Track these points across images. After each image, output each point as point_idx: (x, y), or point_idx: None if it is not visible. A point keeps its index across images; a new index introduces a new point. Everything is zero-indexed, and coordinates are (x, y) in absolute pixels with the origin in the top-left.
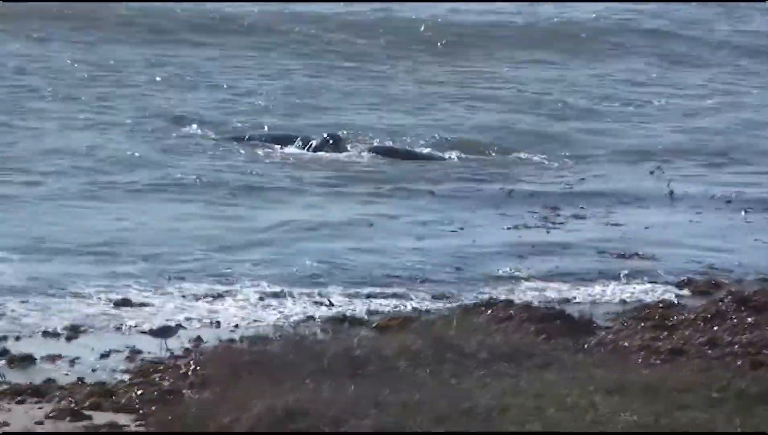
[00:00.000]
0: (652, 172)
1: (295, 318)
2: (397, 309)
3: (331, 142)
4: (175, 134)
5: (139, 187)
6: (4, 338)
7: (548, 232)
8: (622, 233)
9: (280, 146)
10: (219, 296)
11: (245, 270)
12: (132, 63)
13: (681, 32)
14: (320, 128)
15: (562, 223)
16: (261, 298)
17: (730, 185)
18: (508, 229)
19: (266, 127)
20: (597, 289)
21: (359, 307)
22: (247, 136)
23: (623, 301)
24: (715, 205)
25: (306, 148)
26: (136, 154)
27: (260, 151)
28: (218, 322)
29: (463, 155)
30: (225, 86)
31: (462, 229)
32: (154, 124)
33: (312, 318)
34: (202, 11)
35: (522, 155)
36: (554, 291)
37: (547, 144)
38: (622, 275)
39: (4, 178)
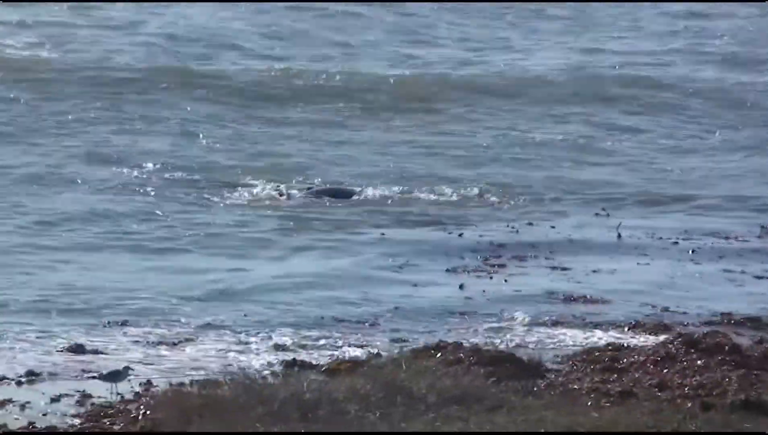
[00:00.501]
0: (597, 215)
1: (245, 360)
2: (346, 353)
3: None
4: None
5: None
6: None
7: (491, 278)
8: (570, 277)
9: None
10: (170, 342)
11: (194, 314)
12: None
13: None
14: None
15: (504, 266)
16: (209, 341)
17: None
18: (451, 271)
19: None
20: (546, 331)
21: (309, 351)
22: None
23: (573, 344)
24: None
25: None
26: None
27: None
28: (168, 367)
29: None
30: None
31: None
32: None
33: (265, 362)
34: None
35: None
36: (504, 333)
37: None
38: (571, 317)
39: None
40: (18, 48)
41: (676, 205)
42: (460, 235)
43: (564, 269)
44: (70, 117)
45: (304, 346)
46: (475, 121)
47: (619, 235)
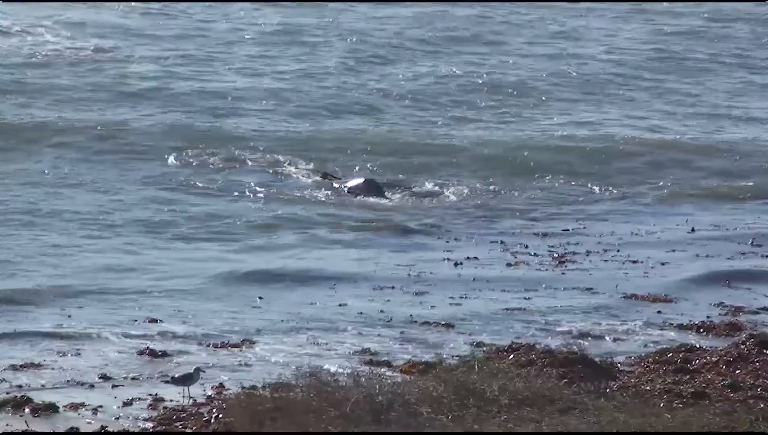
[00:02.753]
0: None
1: (316, 362)
2: (418, 355)
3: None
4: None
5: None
6: (28, 387)
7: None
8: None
9: None
10: (240, 344)
11: (260, 315)
12: None
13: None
14: None
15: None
16: (284, 343)
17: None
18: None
19: None
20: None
21: (381, 352)
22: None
23: (645, 344)
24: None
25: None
26: None
27: None
28: (243, 368)
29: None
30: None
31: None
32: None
33: (337, 363)
34: None
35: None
36: (576, 329)
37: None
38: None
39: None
40: None
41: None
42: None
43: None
44: None
45: (376, 348)
46: None
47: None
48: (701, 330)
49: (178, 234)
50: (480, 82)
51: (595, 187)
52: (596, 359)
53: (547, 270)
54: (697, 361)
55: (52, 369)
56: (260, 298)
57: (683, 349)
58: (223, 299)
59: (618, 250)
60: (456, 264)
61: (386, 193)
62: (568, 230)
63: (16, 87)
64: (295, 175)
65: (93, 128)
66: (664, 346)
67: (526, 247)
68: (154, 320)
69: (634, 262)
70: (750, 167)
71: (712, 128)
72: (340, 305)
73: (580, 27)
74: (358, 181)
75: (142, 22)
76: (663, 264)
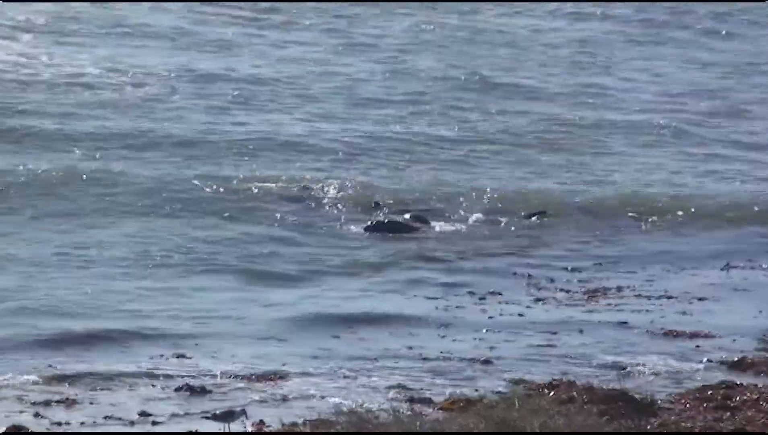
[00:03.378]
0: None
1: (356, 398)
2: (458, 391)
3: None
4: None
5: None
6: (67, 423)
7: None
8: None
9: None
10: (281, 377)
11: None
12: None
13: None
14: None
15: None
16: (325, 380)
17: None
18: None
19: None
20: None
21: (421, 389)
22: None
23: (685, 379)
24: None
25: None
26: None
27: None
28: (282, 402)
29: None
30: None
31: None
32: None
33: (376, 399)
34: None
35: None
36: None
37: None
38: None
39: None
40: None
41: None
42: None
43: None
44: None
45: (415, 384)
46: None
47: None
48: (742, 367)
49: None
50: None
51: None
52: (637, 396)
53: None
54: (738, 398)
55: (91, 404)
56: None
57: (724, 385)
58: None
59: (651, 285)
60: (480, 298)
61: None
62: (600, 264)
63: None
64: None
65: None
66: (705, 383)
67: (552, 280)
68: (182, 356)
69: (669, 297)
70: None
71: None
72: (360, 339)
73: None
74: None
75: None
76: (701, 299)
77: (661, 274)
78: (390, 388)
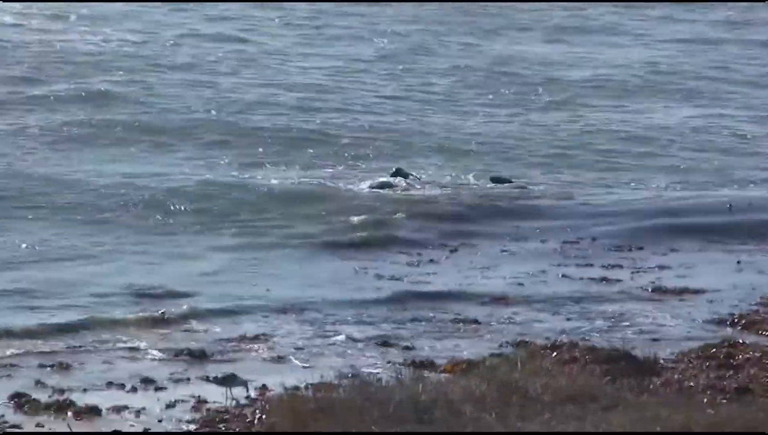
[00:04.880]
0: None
1: (359, 362)
2: (461, 353)
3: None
4: None
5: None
6: (70, 390)
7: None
8: None
9: None
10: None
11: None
12: None
13: None
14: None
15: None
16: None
17: None
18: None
19: None
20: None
21: (423, 351)
22: None
23: (687, 338)
24: None
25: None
26: None
27: None
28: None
29: None
30: None
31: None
32: None
33: (379, 363)
34: None
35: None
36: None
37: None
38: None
39: None
40: None
41: None
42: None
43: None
44: None
45: (417, 346)
46: None
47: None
48: (744, 324)
49: None
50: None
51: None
52: (639, 356)
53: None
54: (741, 356)
55: (92, 372)
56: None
57: (726, 344)
58: None
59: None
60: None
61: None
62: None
63: None
64: None
65: None
66: (708, 342)
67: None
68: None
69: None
70: None
71: None
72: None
73: None
74: None
75: None
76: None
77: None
78: (396, 349)
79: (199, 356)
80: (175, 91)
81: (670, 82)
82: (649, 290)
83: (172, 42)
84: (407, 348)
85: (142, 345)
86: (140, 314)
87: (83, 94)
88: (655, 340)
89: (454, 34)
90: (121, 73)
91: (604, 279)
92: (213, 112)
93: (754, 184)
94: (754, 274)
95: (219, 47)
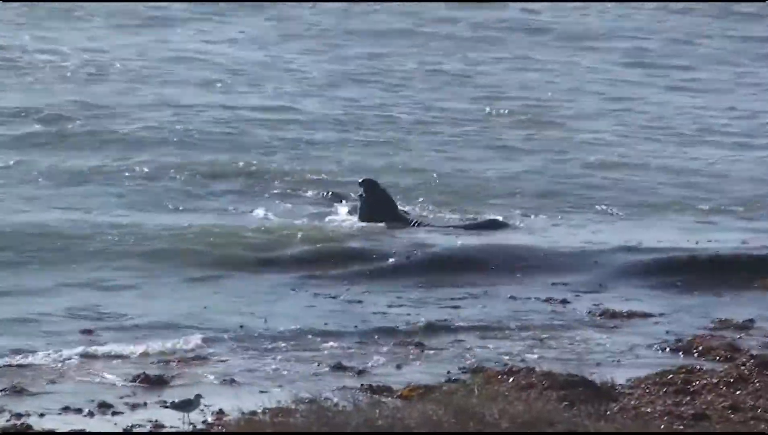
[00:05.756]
0: None
1: (316, 386)
2: (418, 378)
3: None
4: None
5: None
6: (27, 414)
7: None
8: None
9: None
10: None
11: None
12: None
13: None
14: None
15: None
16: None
17: None
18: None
19: None
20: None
21: (382, 376)
22: None
23: (643, 364)
24: None
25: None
26: None
27: None
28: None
29: None
30: None
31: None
32: None
33: (336, 387)
34: None
35: None
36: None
37: None
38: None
39: None
40: None
41: None
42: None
43: None
44: None
45: (375, 371)
46: None
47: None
48: (700, 350)
49: None
50: None
51: None
52: (596, 381)
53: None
54: (698, 382)
55: (48, 396)
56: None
57: (683, 370)
58: None
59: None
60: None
61: None
62: None
63: None
64: None
65: None
66: (664, 368)
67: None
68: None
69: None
70: None
71: None
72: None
73: None
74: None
75: None
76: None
77: None
78: (351, 373)
79: (156, 381)
80: None
81: None
82: (597, 315)
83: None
84: (361, 372)
85: (97, 367)
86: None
87: None
88: (611, 364)
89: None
90: None
91: (549, 299)
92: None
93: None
94: (707, 297)
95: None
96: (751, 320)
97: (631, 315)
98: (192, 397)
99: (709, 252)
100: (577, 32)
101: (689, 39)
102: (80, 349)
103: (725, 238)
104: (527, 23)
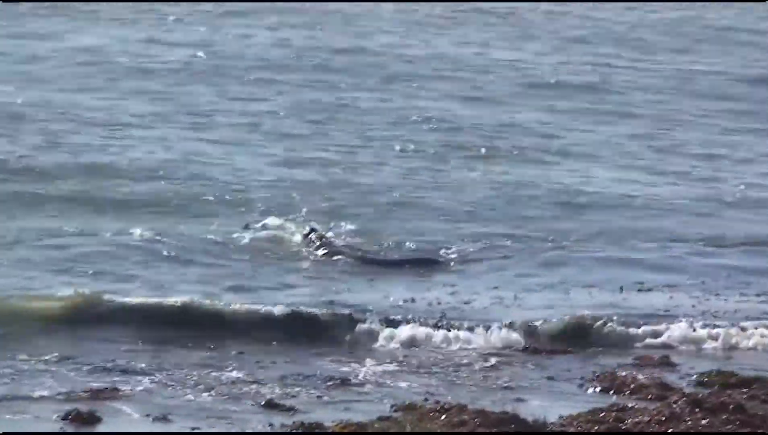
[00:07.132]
0: None
1: (242, 420)
2: (351, 415)
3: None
4: None
5: None
6: None
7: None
8: None
9: None
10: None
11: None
12: None
13: None
14: None
15: None
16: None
17: None
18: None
19: None
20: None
21: (313, 412)
22: None
23: (578, 402)
24: None
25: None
26: None
27: None
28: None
29: None
30: None
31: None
32: None
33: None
34: None
35: None
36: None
37: None
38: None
39: None
40: None
41: None
42: None
43: None
44: None
45: (307, 408)
46: None
47: None
48: (633, 389)
49: None
50: None
51: None
52: (528, 419)
53: None
54: (630, 420)
55: None
56: None
57: (615, 408)
58: None
59: None
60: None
61: None
62: None
63: None
64: None
65: None
66: (596, 406)
67: None
68: None
69: None
70: None
71: None
72: None
73: None
74: None
75: None
76: None
77: None
78: (282, 409)
79: (88, 419)
80: None
81: None
82: (520, 348)
83: None
84: (291, 409)
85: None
86: None
87: None
88: (538, 401)
89: None
90: None
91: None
92: None
93: None
94: None
95: None
96: None
97: (552, 352)
98: None
99: None
100: None
101: None
102: None
103: None
104: None
